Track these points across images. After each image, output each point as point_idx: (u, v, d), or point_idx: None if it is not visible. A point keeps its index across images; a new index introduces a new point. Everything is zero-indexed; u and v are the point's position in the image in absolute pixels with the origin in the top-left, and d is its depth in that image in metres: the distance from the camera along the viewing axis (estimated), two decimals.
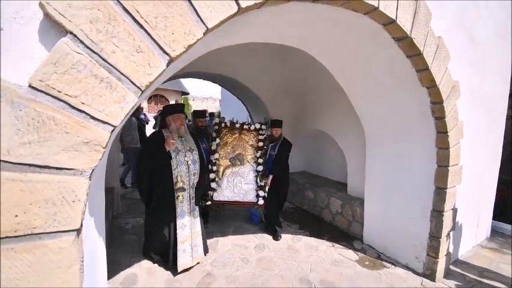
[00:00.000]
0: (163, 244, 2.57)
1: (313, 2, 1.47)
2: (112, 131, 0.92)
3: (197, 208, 2.65)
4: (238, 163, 3.28)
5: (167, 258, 2.57)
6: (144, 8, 0.91)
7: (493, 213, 3.86)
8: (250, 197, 3.25)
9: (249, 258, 2.90)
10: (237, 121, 3.37)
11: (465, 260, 3.16)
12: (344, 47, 2.35)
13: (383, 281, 2.60)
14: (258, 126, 3.38)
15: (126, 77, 0.91)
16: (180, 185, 2.46)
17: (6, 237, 0.81)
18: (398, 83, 2.45)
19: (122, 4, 0.88)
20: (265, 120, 3.54)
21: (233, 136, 3.34)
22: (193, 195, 2.61)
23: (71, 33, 0.82)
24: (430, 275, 2.63)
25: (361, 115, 3.07)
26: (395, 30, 1.85)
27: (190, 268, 2.59)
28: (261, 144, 3.34)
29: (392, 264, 2.88)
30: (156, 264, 2.67)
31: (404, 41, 1.94)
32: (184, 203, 2.52)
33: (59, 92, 0.82)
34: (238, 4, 1.09)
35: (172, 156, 2.42)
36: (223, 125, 3.32)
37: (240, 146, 3.32)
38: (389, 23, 1.79)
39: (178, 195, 2.46)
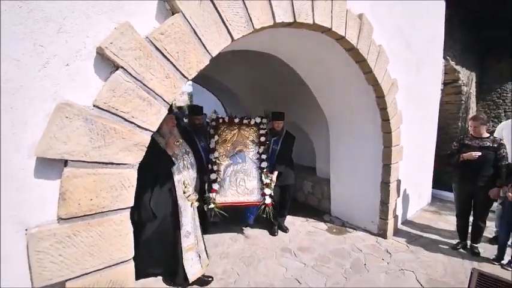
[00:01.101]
0: (166, 256, 2.31)
1: (285, 27, 1.91)
2: (151, 135, 1.28)
3: (197, 212, 2.50)
4: (240, 160, 3.11)
5: (173, 270, 2.35)
6: (169, 46, 1.27)
7: (433, 182, 4.78)
8: (256, 196, 3.10)
9: (238, 238, 3.34)
10: (236, 116, 3.21)
11: (411, 220, 3.95)
12: (309, 54, 2.84)
13: (347, 242, 3.23)
14: (258, 120, 3.21)
15: (160, 96, 1.27)
16: (190, 191, 2.30)
17: (85, 215, 1.14)
18: (351, 83, 3.02)
19: (155, 45, 1.23)
20: (265, 113, 3.39)
21: (232, 132, 3.15)
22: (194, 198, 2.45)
23: (122, 67, 1.16)
24: (382, 234, 3.32)
25: (325, 109, 3.63)
26: (345, 43, 2.38)
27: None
28: (263, 139, 3.18)
29: (354, 229, 3.55)
30: (160, 278, 2.47)
31: (352, 51, 2.48)
32: (187, 210, 2.33)
33: (117, 110, 1.16)
34: (232, 37, 1.49)
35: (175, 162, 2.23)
36: (220, 120, 3.13)
37: (241, 143, 3.17)
38: (341, 38, 2.30)
39: (192, 203, 2.32)
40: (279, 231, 3.46)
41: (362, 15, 2.45)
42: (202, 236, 2.55)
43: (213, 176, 2.99)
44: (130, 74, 1.18)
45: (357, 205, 3.55)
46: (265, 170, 3.11)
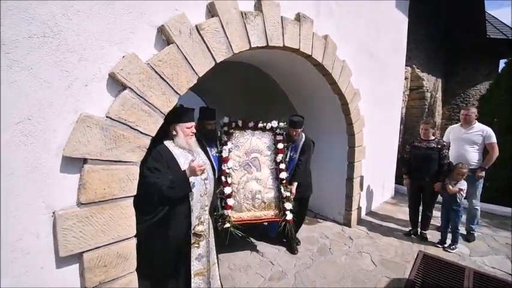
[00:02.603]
0: (170, 276, 1.96)
1: (262, 49, 2.29)
2: (151, 139, 1.63)
3: (213, 232, 2.15)
4: (255, 170, 2.80)
5: None
6: (165, 70, 1.62)
7: (396, 178, 5.37)
8: (274, 211, 2.82)
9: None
10: (249, 119, 2.90)
11: (375, 211, 4.49)
12: (284, 67, 3.26)
13: (316, 231, 3.70)
14: (275, 124, 2.92)
15: (158, 109, 1.62)
16: (201, 228, 1.93)
17: (99, 201, 1.47)
18: (321, 91, 3.47)
19: (154, 69, 1.57)
20: (282, 119, 3.05)
21: (245, 137, 2.85)
22: (210, 221, 2.10)
23: (129, 88, 1.50)
24: (347, 223, 3.82)
25: (299, 112, 4.07)
26: (313, 60, 2.81)
27: None
28: (280, 146, 2.89)
29: (324, 220, 4.03)
30: None
31: (319, 67, 2.92)
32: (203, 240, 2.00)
33: (125, 120, 1.50)
34: (215, 61, 1.87)
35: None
36: (233, 125, 2.80)
37: (255, 150, 2.85)
38: (308, 57, 2.72)
39: (194, 242, 1.92)
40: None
41: (327, 36, 2.89)
42: (218, 260, 2.21)
43: (227, 190, 2.62)
44: (135, 92, 1.52)
45: (327, 199, 4.02)
46: (284, 182, 2.82)
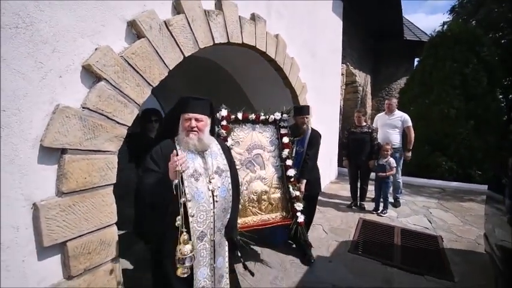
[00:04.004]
0: None
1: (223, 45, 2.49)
2: (127, 128, 1.71)
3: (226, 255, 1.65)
4: (258, 168, 2.51)
5: None
6: (139, 63, 1.71)
7: (339, 162, 6.16)
8: (282, 213, 2.53)
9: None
10: (249, 111, 2.61)
11: (323, 191, 5.10)
12: (242, 61, 3.50)
13: None
14: (278, 116, 2.64)
15: (133, 100, 1.70)
16: (186, 249, 1.29)
17: (80, 190, 1.52)
18: (275, 86, 3.83)
19: (128, 62, 1.65)
20: (286, 109, 2.79)
21: (245, 132, 2.53)
22: (222, 241, 1.60)
23: (105, 79, 1.56)
24: None
25: (254, 103, 4.38)
26: (267, 57, 3.13)
27: None
28: (286, 140, 2.63)
29: None
30: None
31: (272, 62, 3.26)
32: (205, 257, 1.51)
33: (102, 110, 1.55)
34: (183, 55, 2.01)
35: (182, 187, 1.38)
36: (232, 117, 2.47)
37: (258, 145, 2.56)
38: (263, 53, 3.03)
39: (178, 268, 1.31)
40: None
41: (278, 35, 3.24)
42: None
43: None
44: (111, 84, 1.58)
45: None
46: (292, 180, 2.56)
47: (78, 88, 1.52)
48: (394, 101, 4.52)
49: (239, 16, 2.59)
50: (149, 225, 1.53)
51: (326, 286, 2.42)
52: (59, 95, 1.44)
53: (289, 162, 2.62)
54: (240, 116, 2.52)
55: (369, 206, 4.38)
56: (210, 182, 1.50)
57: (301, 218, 2.52)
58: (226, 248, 1.65)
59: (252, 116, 2.56)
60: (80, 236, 1.53)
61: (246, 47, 2.79)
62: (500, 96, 6.94)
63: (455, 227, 3.70)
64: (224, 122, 2.41)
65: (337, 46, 5.53)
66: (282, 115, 2.67)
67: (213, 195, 1.50)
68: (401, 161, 4.48)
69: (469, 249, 3.09)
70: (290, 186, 2.59)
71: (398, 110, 4.51)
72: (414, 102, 6.37)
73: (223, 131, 2.39)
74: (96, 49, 1.55)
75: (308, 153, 2.81)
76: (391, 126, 4.36)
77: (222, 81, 4.43)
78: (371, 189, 4.47)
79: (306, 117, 2.84)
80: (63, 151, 1.44)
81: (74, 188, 1.48)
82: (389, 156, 3.99)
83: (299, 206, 2.53)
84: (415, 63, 11.18)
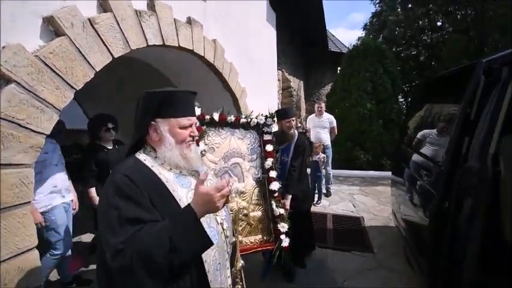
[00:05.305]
0: None
1: (158, 46, 2.40)
2: (45, 137, 1.50)
3: None
4: (236, 179, 2.12)
5: None
6: (58, 63, 1.53)
7: None
8: (263, 236, 2.14)
9: None
10: (228, 112, 2.25)
11: None
12: (179, 65, 3.41)
13: None
14: (261, 120, 2.27)
15: (52, 105, 1.51)
16: None
17: None
18: (216, 89, 3.85)
19: (45, 62, 1.46)
20: (269, 112, 2.43)
21: (222, 137, 2.17)
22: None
23: (16, 82, 1.34)
24: None
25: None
26: (206, 61, 3.14)
27: None
28: (269, 148, 2.26)
29: None
30: None
31: (211, 67, 3.29)
32: None
33: (13, 117, 1.33)
34: (112, 56, 1.88)
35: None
36: (207, 118, 2.12)
37: (236, 153, 2.18)
38: (202, 57, 3.03)
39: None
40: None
41: (215, 40, 3.29)
42: None
43: None
44: (23, 87, 1.37)
45: None
46: (276, 195, 2.18)
47: None
48: (323, 105, 5.09)
49: (174, 19, 2.54)
50: None
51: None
52: None
53: (272, 173, 2.22)
54: (216, 117, 2.13)
55: None
56: (217, 214, 1.03)
57: (285, 242, 2.04)
58: None
59: (231, 119, 2.17)
60: None
61: (183, 50, 2.75)
62: (402, 100, 8.51)
63: (373, 208, 4.37)
64: (197, 124, 1.84)
65: (273, 53, 5.89)
66: (266, 119, 2.28)
67: (223, 231, 1.05)
68: (331, 156, 5.05)
69: (384, 225, 3.71)
70: (273, 202, 2.18)
71: (326, 112, 5.09)
72: (338, 106, 7.25)
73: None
74: (3, 47, 1.33)
75: (293, 165, 2.44)
76: (321, 127, 4.89)
77: (158, 85, 4.22)
78: None
79: (293, 120, 2.53)
80: None
81: None
82: (321, 153, 4.46)
83: (283, 227, 2.08)
84: (338, 71, 12.75)
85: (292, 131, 2.53)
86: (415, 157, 2.42)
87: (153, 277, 0.73)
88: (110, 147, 2.65)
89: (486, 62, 1.50)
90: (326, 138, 4.89)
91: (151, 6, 2.31)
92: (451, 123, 1.75)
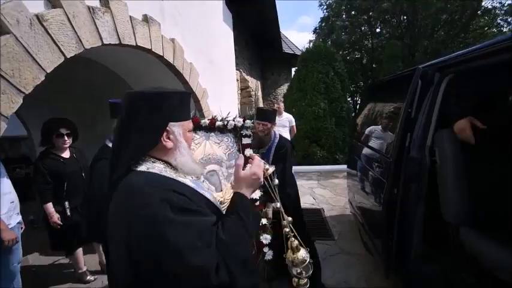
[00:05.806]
0: None
1: (114, 46, 2.25)
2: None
3: None
4: (212, 189, 1.72)
5: None
6: (4, 65, 1.35)
7: None
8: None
9: None
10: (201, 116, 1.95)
11: None
12: (136, 65, 3.23)
13: None
14: (239, 122, 2.05)
15: None
16: (302, 257, 1.08)
17: None
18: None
19: None
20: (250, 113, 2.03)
21: (196, 141, 2.02)
22: None
23: None
24: None
25: None
26: (165, 61, 3.04)
27: None
28: (249, 152, 2.05)
29: None
30: None
31: (171, 67, 3.19)
32: None
33: None
34: (65, 56, 1.72)
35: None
36: None
37: (212, 159, 2.02)
38: (160, 57, 2.93)
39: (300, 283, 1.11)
40: None
41: (174, 40, 3.20)
42: None
43: None
44: None
45: None
46: (257, 204, 1.96)
47: None
48: (282, 104, 5.31)
49: (130, 16, 2.41)
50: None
51: None
52: None
53: None
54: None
55: None
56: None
57: (269, 255, 1.90)
58: None
59: (206, 122, 1.98)
60: None
61: (141, 49, 2.62)
62: (349, 99, 9.31)
63: (331, 199, 4.74)
64: None
65: (231, 54, 5.92)
66: (244, 121, 2.05)
67: None
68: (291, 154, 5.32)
69: (341, 214, 4.06)
70: None
71: (285, 111, 5.32)
72: (295, 105, 7.62)
73: None
74: None
75: (276, 169, 2.03)
76: (281, 126, 5.09)
77: (113, 87, 3.94)
78: None
79: (266, 125, 2.30)
80: None
81: None
82: None
83: (266, 238, 1.93)
84: (293, 72, 13.36)
85: (266, 134, 2.34)
86: (365, 150, 2.72)
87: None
88: (67, 157, 2.39)
89: (423, 68, 1.78)
90: (287, 137, 5.12)
91: (104, 2, 2.16)
92: (395, 121, 2.02)
